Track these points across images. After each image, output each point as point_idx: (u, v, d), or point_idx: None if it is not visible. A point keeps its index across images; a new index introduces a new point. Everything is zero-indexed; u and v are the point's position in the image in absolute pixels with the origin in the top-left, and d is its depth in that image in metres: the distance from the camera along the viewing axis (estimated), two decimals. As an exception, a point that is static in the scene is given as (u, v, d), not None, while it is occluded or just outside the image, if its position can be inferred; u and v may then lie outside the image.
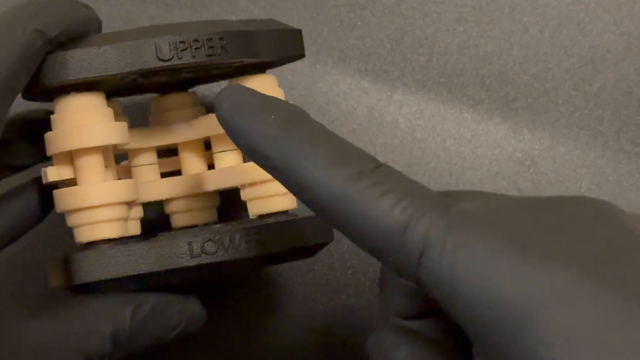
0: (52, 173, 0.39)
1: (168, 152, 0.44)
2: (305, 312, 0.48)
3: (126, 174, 0.43)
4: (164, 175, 0.43)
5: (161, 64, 0.38)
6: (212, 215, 0.44)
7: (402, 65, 0.49)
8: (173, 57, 0.38)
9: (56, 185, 0.40)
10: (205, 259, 0.39)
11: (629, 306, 0.27)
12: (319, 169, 0.31)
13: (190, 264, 0.39)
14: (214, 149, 0.42)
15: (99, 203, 0.38)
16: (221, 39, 0.39)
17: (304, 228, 0.41)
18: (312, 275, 0.48)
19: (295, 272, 0.48)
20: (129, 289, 0.39)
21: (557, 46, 0.48)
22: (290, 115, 0.33)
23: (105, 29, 0.49)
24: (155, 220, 0.44)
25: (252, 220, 0.41)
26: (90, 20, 0.39)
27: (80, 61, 0.38)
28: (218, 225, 0.42)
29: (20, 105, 0.40)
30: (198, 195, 0.43)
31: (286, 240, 0.40)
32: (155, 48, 0.38)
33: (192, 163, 0.43)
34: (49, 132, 0.39)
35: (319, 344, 0.48)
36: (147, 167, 0.43)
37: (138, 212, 0.42)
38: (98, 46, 0.38)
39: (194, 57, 0.38)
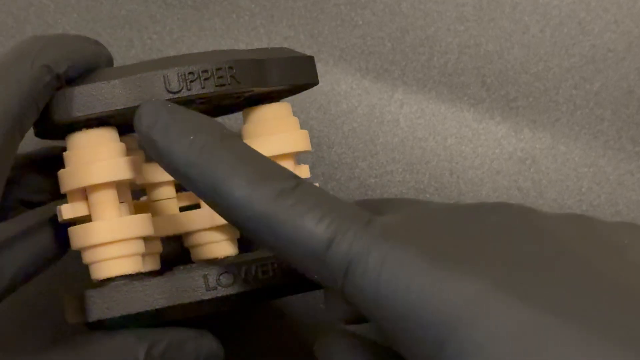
0: (67, 210, 0.39)
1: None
2: (306, 311, 0.48)
3: (145, 209, 0.43)
4: (185, 208, 0.43)
5: (170, 96, 0.38)
6: (232, 247, 0.43)
7: (403, 64, 0.49)
8: (182, 89, 0.38)
9: (74, 222, 0.40)
10: (221, 292, 0.38)
11: (540, 313, 0.28)
12: (240, 190, 0.32)
13: (206, 297, 0.38)
14: None
15: (113, 239, 0.38)
16: (230, 68, 0.38)
17: None
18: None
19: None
20: (146, 324, 0.38)
21: (557, 45, 0.48)
22: (209, 134, 0.33)
23: (106, 29, 0.49)
24: (176, 254, 0.44)
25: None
26: (100, 56, 0.39)
27: (89, 97, 0.37)
28: (234, 257, 0.41)
29: (37, 144, 0.41)
30: (216, 228, 0.42)
31: (295, 272, 0.40)
32: (164, 80, 0.38)
33: None
34: (62, 170, 0.39)
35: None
36: (165, 202, 0.42)
37: (156, 246, 0.41)
38: (106, 81, 0.38)
39: (203, 87, 0.38)
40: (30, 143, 0.41)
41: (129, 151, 0.42)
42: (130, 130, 0.43)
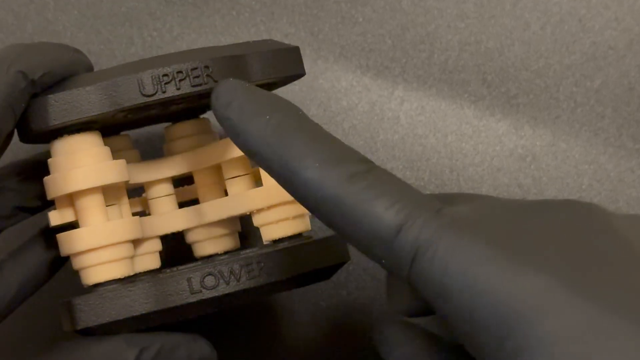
0: (55, 217, 0.39)
1: (187, 181, 0.44)
2: (306, 309, 0.48)
3: (145, 206, 0.43)
4: (185, 204, 0.43)
5: (145, 99, 0.37)
6: (233, 241, 0.43)
7: (404, 61, 0.49)
8: (157, 92, 0.37)
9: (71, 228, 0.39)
10: (206, 294, 0.38)
11: (609, 314, 0.27)
12: (313, 171, 0.31)
13: (191, 300, 0.38)
14: (225, 175, 0.41)
15: (98, 245, 0.38)
16: (206, 67, 0.38)
17: (315, 251, 0.40)
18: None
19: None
20: (137, 329, 0.38)
21: (558, 42, 0.48)
22: (285, 115, 0.33)
23: (106, 26, 0.49)
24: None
25: (266, 246, 0.41)
26: (78, 64, 0.39)
27: (65, 104, 0.37)
28: (222, 257, 0.41)
29: (31, 150, 0.41)
30: (215, 223, 0.42)
31: (292, 267, 0.39)
32: (139, 84, 0.37)
33: (207, 191, 0.42)
34: (47, 177, 0.39)
35: (321, 339, 0.48)
36: (163, 199, 0.42)
37: (156, 245, 0.42)
38: (81, 87, 0.37)
39: (178, 89, 0.38)
40: (25, 148, 0.41)
41: (119, 152, 0.42)
42: (117, 132, 0.43)
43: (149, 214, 0.42)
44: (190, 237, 0.43)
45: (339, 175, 0.31)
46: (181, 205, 0.43)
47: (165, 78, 0.38)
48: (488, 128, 0.48)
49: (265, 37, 0.49)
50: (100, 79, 0.38)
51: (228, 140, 0.40)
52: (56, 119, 0.37)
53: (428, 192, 0.48)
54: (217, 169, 0.42)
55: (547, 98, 0.48)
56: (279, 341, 0.48)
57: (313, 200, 0.32)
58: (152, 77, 0.37)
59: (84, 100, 0.37)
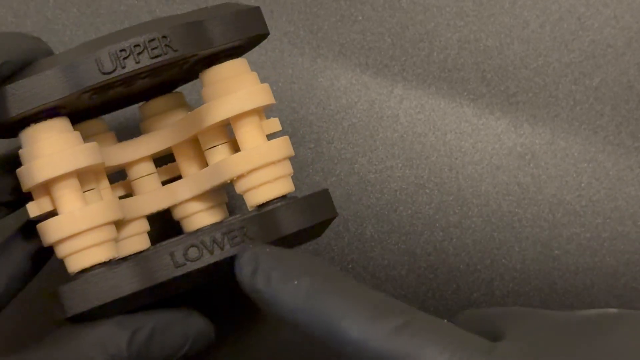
0: (33, 208, 0.38)
1: (168, 159, 0.43)
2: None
3: (129, 189, 0.43)
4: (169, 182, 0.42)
5: (105, 77, 0.37)
6: (221, 213, 0.42)
7: (403, 59, 0.49)
8: (117, 68, 0.37)
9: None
10: (191, 267, 0.38)
11: None
12: (355, 331, 0.31)
13: (177, 274, 0.37)
14: (203, 146, 0.41)
15: (77, 230, 0.37)
16: (164, 37, 0.37)
17: (299, 210, 0.39)
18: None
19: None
20: (130, 311, 0.38)
21: (557, 41, 0.48)
22: (314, 276, 0.33)
23: (106, 24, 0.49)
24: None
25: (250, 212, 0.40)
26: (37, 50, 0.38)
27: (26, 92, 0.36)
28: (204, 228, 0.40)
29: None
30: (200, 196, 0.42)
31: (277, 229, 0.39)
32: (97, 62, 0.37)
33: (188, 166, 0.42)
34: (19, 168, 0.38)
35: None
36: (145, 179, 0.42)
37: (143, 226, 0.41)
38: (41, 72, 0.37)
39: (138, 62, 0.37)
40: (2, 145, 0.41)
41: (94, 136, 0.41)
42: (89, 117, 0.42)
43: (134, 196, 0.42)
44: (177, 214, 0.42)
45: (383, 330, 0.31)
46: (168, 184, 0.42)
47: (123, 53, 0.37)
48: (487, 126, 0.48)
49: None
50: (58, 62, 0.37)
51: (200, 109, 0.40)
52: (18, 108, 0.37)
53: (427, 192, 0.48)
54: (195, 142, 0.42)
55: (546, 96, 0.48)
56: (277, 340, 0.48)
57: (361, 357, 0.31)
58: (109, 53, 0.37)
59: (45, 85, 0.36)
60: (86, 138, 0.40)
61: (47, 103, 0.37)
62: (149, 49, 0.37)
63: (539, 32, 0.48)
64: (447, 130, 0.48)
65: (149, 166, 0.42)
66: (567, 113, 0.48)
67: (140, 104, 0.43)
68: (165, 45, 0.37)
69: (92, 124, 0.42)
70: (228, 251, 0.38)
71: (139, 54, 0.37)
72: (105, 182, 0.40)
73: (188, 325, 0.39)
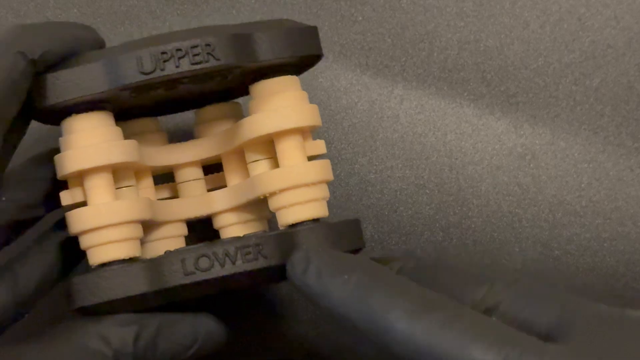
0: (65, 197, 0.39)
1: (221, 168, 0.43)
2: (309, 306, 0.48)
3: (175, 191, 0.43)
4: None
5: (144, 77, 0.37)
6: (259, 227, 0.42)
7: (403, 60, 0.49)
8: (156, 69, 0.37)
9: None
10: (199, 276, 0.37)
11: None
12: (401, 323, 0.31)
13: (184, 282, 0.37)
14: (247, 159, 0.41)
15: (100, 224, 0.38)
16: (208, 45, 0.37)
17: (324, 236, 0.39)
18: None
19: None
20: (140, 311, 0.38)
21: (557, 41, 0.48)
22: (364, 271, 0.33)
23: (106, 24, 0.49)
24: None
25: (273, 230, 0.40)
26: (84, 39, 0.39)
27: (66, 82, 0.37)
28: (224, 240, 0.40)
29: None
30: (240, 208, 0.41)
31: (291, 253, 0.38)
32: (137, 62, 0.37)
33: (232, 176, 0.42)
34: (57, 155, 0.39)
35: (323, 337, 0.48)
36: (190, 183, 0.42)
37: (180, 229, 0.41)
38: (82, 65, 0.37)
39: (177, 67, 0.37)
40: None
41: (144, 134, 0.41)
42: (143, 115, 0.42)
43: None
44: (215, 223, 0.42)
45: (429, 324, 0.31)
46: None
47: (164, 56, 0.37)
48: (487, 127, 0.48)
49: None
50: (101, 57, 0.37)
51: (244, 121, 0.39)
52: (57, 97, 0.37)
53: (427, 192, 0.48)
54: (242, 154, 0.41)
55: (547, 97, 0.48)
56: (278, 338, 0.48)
57: (406, 352, 0.31)
58: (150, 54, 0.37)
59: (84, 78, 0.37)
60: (135, 135, 0.41)
61: (85, 96, 0.37)
62: (191, 54, 0.37)
63: (539, 33, 0.48)
64: (447, 131, 0.48)
65: (196, 172, 0.42)
66: (567, 113, 0.48)
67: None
68: (208, 54, 0.37)
69: (144, 122, 0.42)
70: (239, 266, 0.38)
71: (180, 58, 0.37)
72: (147, 181, 0.40)
73: (197, 325, 0.39)
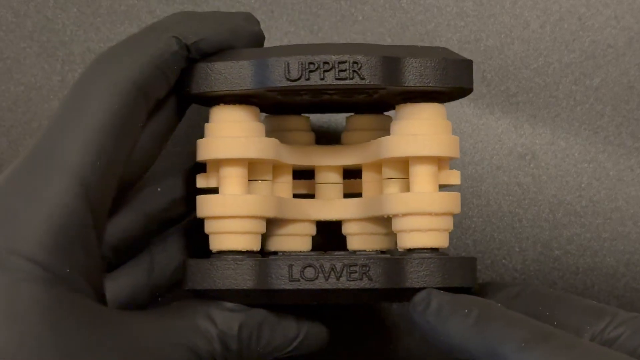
0: (201, 179, 0.40)
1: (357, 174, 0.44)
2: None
3: (311, 189, 0.43)
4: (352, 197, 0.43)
5: (288, 83, 0.38)
6: (384, 243, 0.42)
7: (403, 59, 0.49)
8: (301, 78, 0.38)
9: None
10: (302, 285, 0.38)
11: None
12: (519, 352, 0.33)
13: (287, 287, 0.38)
14: (383, 175, 0.41)
15: (223, 214, 0.39)
16: (355, 63, 0.38)
17: (435, 268, 0.38)
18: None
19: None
20: (245, 303, 0.39)
21: (557, 41, 0.48)
22: (482, 307, 0.35)
23: (105, 23, 0.49)
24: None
25: (387, 253, 0.41)
26: (241, 33, 0.40)
27: (217, 74, 0.38)
28: (336, 254, 0.40)
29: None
30: (365, 220, 0.42)
31: (401, 279, 0.38)
32: (285, 67, 0.38)
33: (368, 188, 0.42)
34: (200, 139, 0.40)
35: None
36: (327, 186, 0.43)
37: (309, 229, 0.42)
38: (235, 61, 0.38)
39: (322, 79, 0.38)
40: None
41: (292, 132, 0.42)
42: (288, 111, 0.43)
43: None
44: (344, 229, 0.43)
45: (544, 351, 0.32)
46: (350, 196, 0.43)
47: (312, 66, 0.38)
48: (487, 126, 0.48)
49: (264, 35, 0.49)
50: (253, 57, 0.38)
51: (385, 139, 0.40)
52: (207, 86, 0.39)
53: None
54: (381, 168, 0.42)
55: (547, 96, 0.48)
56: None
57: None
58: (299, 62, 0.38)
59: (235, 73, 0.38)
60: (284, 131, 0.42)
61: (232, 90, 0.38)
62: (337, 69, 0.38)
63: (539, 32, 0.48)
64: (447, 131, 0.48)
65: (335, 176, 0.43)
66: (567, 113, 0.48)
67: (350, 114, 0.44)
68: (354, 71, 0.38)
69: (295, 120, 0.43)
70: (342, 283, 0.38)
71: (325, 71, 0.38)
72: (286, 176, 0.41)
73: (300, 322, 0.40)
